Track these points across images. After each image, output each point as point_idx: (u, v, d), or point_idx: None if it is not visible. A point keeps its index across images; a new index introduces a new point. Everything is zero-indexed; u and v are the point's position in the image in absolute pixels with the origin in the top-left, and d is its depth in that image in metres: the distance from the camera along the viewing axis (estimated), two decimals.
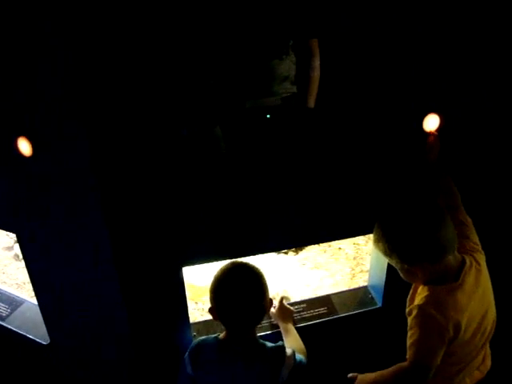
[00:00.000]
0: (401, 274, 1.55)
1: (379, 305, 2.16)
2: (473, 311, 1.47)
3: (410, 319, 1.47)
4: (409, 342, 1.45)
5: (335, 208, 1.86)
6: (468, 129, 1.89)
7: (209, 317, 1.76)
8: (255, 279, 1.54)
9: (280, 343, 1.61)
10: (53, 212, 1.71)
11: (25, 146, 1.58)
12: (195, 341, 1.67)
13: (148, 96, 1.53)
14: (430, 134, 1.76)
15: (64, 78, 1.44)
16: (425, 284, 1.50)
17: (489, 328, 1.55)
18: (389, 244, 1.47)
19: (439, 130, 1.76)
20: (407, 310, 1.51)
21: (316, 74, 1.81)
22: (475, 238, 1.62)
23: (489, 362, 1.65)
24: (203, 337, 1.67)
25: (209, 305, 1.61)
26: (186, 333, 1.95)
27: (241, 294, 1.50)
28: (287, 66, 1.80)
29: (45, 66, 1.44)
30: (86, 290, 1.87)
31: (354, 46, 1.73)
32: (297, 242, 2.11)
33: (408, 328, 1.47)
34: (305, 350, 1.72)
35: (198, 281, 2.46)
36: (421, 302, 1.45)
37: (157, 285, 1.83)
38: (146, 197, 1.66)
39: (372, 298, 2.20)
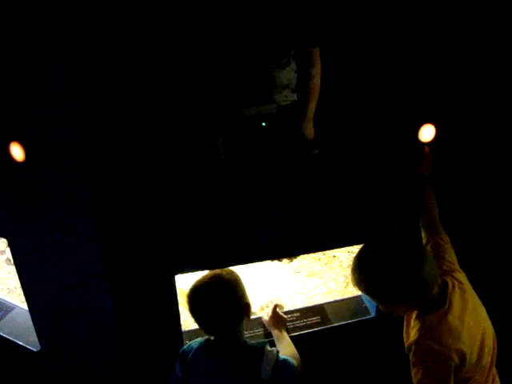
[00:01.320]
0: (383, 310, 1.52)
1: (373, 315, 2.16)
2: (470, 332, 1.43)
3: (410, 356, 1.42)
4: (415, 380, 1.39)
5: (329, 217, 1.86)
6: (462, 142, 1.88)
7: None
8: (224, 287, 1.60)
9: (261, 341, 1.64)
10: (45, 217, 1.69)
11: (17, 152, 1.56)
12: (186, 344, 1.72)
13: (144, 102, 1.52)
14: (424, 147, 1.76)
15: (59, 84, 1.42)
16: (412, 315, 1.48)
17: (490, 343, 1.51)
18: (371, 288, 1.43)
19: (433, 143, 1.77)
20: (406, 346, 1.47)
21: (316, 82, 1.81)
22: (451, 257, 1.59)
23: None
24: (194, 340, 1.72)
25: None
26: (177, 341, 1.94)
27: (208, 302, 1.59)
28: (288, 75, 1.80)
29: (40, 71, 1.43)
30: (77, 296, 1.84)
31: (353, 56, 1.73)
32: (290, 252, 2.10)
33: (411, 366, 1.41)
34: (298, 357, 1.73)
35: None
36: (416, 337, 1.41)
37: (149, 293, 1.81)
38: (139, 203, 1.64)
39: (366, 307, 2.19)
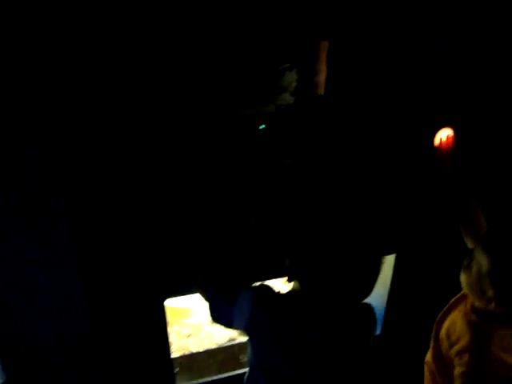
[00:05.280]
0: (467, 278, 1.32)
1: (377, 332, 1.99)
2: None
3: (458, 362, 1.27)
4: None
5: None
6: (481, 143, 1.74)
7: (194, 349, 1.53)
8: None
9: None
10: (26, 245, 1.46)
11: None
12: None
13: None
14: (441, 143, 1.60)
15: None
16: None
17: None
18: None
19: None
20: (453, 348, 1.32)
21: (321, 78, 1.67)
22: None
23: None
24: None
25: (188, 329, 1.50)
26: (167, 370, 1.73)
27: None
28: (289, 78, 1.66)
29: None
30: (52, 324, 1.61)
31: (364, 53, 1.57)
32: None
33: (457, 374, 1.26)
34: None
35: (177, 302, 2.24)
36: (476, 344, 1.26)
37: (134, 319, 1.59)
38: (123, 223, 1.46)
39: None
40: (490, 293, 1.23)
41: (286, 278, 1.18)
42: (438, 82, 1.64)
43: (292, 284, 1.19)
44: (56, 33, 1.24)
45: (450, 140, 1.58)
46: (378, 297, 1.98)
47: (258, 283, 1.22)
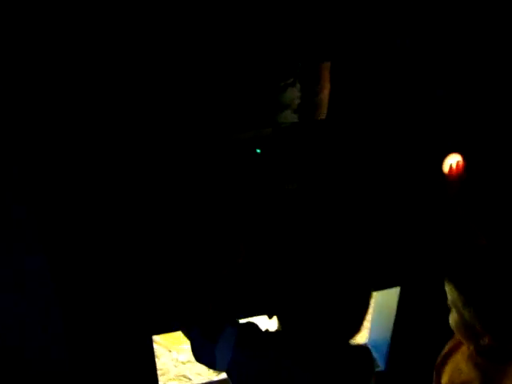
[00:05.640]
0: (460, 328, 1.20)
1: (382, 368, 1.90)
2: None
3: None
4: None
5: None
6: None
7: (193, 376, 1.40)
8: None
9: None
10: None
11: None
12: None
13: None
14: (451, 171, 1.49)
15: None
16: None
17: None
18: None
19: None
20: None
21: (324, 98, 1.58)
22: None
23: None
24: None
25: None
26: None
27: None
28: (291, 94, 1.57)
29: None
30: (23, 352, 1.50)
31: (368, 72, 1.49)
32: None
33: None
34: None
35: None
36: None
37: (119, 357, 1.48)
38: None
39: (374, 359, 1.91)
40: (478, 328, 1.12)
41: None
42: (450, 103, 1.54)
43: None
44: None
45: (461, 167, 1.48)
46: (382, 331, 1.87)
47: (244, 320, 1.13)
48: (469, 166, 1.47)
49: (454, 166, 1.45)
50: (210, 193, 1.47)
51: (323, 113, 1.61)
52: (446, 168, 1.47)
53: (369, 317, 2.06)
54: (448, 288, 1.21)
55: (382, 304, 1.84)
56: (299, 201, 1.57)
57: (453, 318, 1.21)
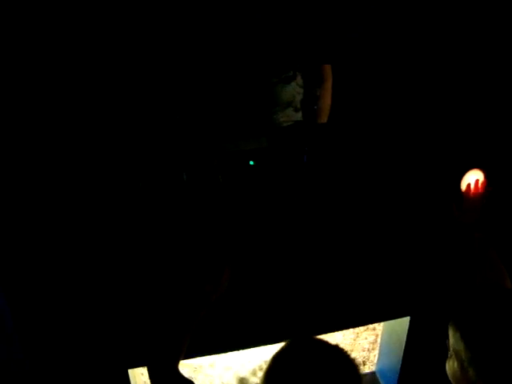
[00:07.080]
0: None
1: None
2: None
3: None
4: None
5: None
6: None
7: None
8: None
9: None
10: None
11: None
12: None
13: None
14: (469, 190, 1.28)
15: None
16: None
17: None
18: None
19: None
20: None
21: (327, 100, 1.53)
22: None
23: None
24: None
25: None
26: None
27: None
28: (292, 90, 1.52)
29: None
30: None
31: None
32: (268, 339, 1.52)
33: None
34: None
35: None
36: None
37: None
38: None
39: None
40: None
41: None
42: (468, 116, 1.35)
43: None
44: None
45: (481, 186, 1.26)
46: (390, 360, 1.72)
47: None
48: (491, 184, 1.26)
49: (472, 185, 1.25)
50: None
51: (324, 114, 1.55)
52: (463, 186, 1.26)
53: (375, 345, 1.89)
54: (452, 333, 1.01)
55: (392, 333, 1.70)
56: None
57: (451, 367, 1.02)
